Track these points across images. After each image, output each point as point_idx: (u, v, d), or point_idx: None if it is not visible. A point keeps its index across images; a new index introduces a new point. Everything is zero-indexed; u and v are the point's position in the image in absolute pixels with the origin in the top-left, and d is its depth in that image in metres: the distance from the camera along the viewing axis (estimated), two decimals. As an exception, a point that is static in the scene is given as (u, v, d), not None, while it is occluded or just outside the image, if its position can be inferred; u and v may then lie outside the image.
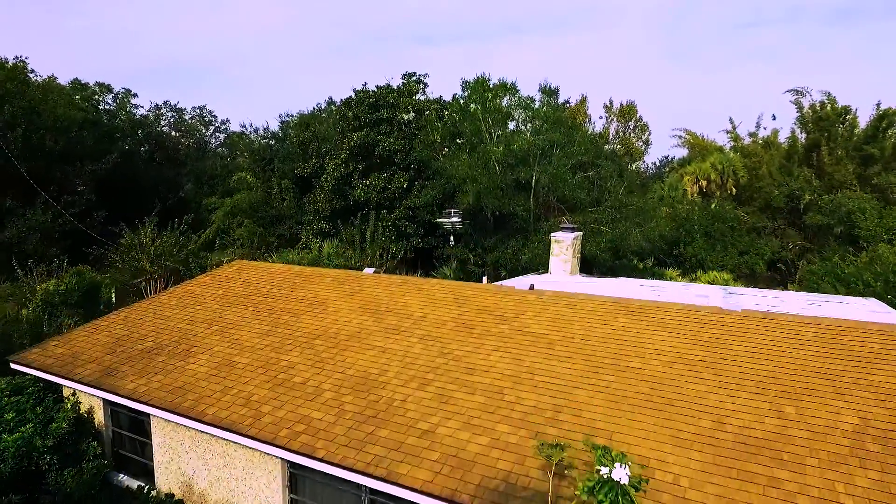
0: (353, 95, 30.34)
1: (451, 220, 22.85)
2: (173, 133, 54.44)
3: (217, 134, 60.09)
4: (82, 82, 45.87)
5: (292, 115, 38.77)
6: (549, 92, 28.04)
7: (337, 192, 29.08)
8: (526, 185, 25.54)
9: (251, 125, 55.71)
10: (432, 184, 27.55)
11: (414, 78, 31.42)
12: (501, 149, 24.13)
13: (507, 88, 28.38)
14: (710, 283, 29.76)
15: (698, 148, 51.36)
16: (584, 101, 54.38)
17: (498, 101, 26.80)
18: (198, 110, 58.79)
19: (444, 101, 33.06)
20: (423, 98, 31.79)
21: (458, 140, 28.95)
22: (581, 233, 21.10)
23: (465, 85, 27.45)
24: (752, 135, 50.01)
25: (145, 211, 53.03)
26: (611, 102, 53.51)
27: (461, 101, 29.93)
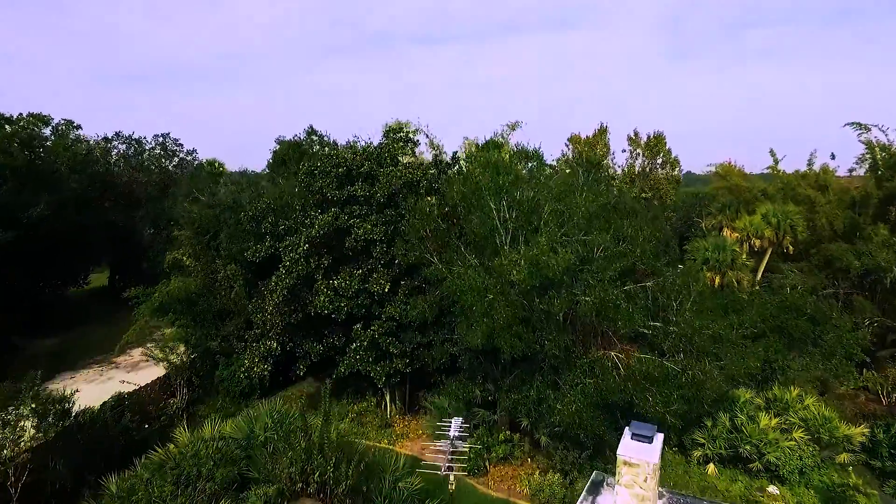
0: (319, 162, 21.83)
1: (451, 442, 14.27)
2: (129, 169, 45.81)
3: (184, 165, 51.57)
4: (6, 115, 37.14)
5: (246, 169, 30.27)
6: (591, 163, 19.53)
7: (293, 301, 20.62)
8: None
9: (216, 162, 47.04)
10: (423, 298, 19.13)
11: (400, 135, 22.87)
12: (525, 269, 15.62)
13: (528, 156, 19.92)
14: (804, 419, 21.49)
15: (738, 190, 42.85)
16: (604, 130, 45.91)
17: (516, 178, 18.29)
18: (160, 138, 50.27)
19: (443, 158, 24.53)
20: (412, 159, 23.29)
21: (461, 212, 20.37)
22: (662, 435, 12.74)
23: (471, 157, 18.95)
24: (803, 176, 41.65)
25: (82, 269, 44.61)
26: (636, 134, 45.05)
27: (465, 169, 21.46)
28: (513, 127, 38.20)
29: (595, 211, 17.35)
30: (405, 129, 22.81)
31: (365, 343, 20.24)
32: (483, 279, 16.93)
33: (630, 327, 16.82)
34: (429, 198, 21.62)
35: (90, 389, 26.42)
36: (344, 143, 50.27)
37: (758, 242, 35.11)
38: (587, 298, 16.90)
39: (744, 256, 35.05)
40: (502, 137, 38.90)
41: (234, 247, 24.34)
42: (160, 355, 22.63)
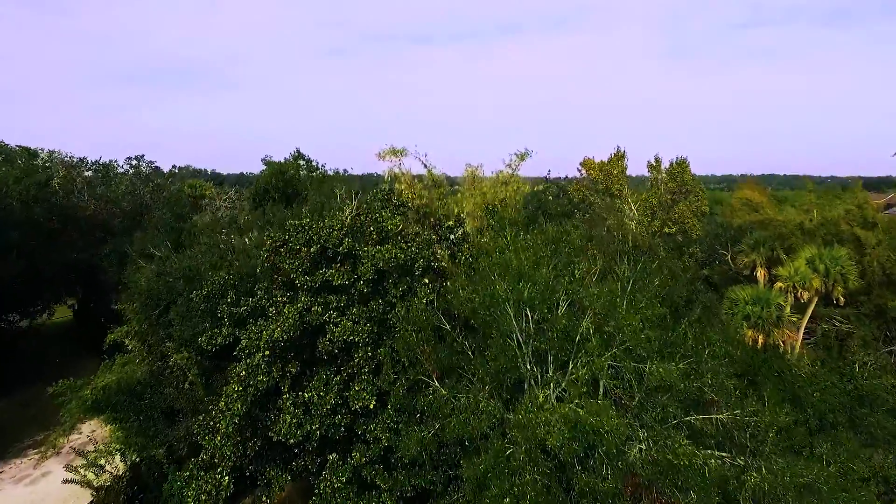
0: (287, 235, 16.84)
1: None
2: (95, 199, 40.66)
3: (160, 190, 46.45)
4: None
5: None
6: (639, 249, 14.54)
7: (249, 427, 15.68)
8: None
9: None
10: (417, 436, 14.19)
11: (388, 192, 17.85)
12: (564, 431, 10.74)
13: (557, 240, 14.91)
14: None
15: (773, 224, 37.97)
16: (621, 156, 40.89)
17: (545, 287, 13.32)
18: (133, 161, 45.20)
19: (446, 226, 19.52)
20: (403, 226, 18.26)
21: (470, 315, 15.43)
22: None
23: (485, 251, 13.94)
24: (848, 211, 36.78)
25: (38, 312, 39.52)
26: (657, 161, 40.00)
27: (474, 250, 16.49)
28: (522, 157, 33.12)
29: (652, 334, 12.38)
30: (397, 190, 17.83)
31: (343, 479, 15.35)
32: (501, 416, 12.07)
33: (708, 501, 11.93)
34: (426, 279, 16.68)
35: (15, 495, 21.60)
36: (334, 169, 45.54)
37: (805, 295, 30.16)
38: (643, 447, 12.10)
39: (788, 310, 30.17)
40: (511, 168, 33.72)
41: (187, 330, 19.38)
42: (89, 476, 17.65)
